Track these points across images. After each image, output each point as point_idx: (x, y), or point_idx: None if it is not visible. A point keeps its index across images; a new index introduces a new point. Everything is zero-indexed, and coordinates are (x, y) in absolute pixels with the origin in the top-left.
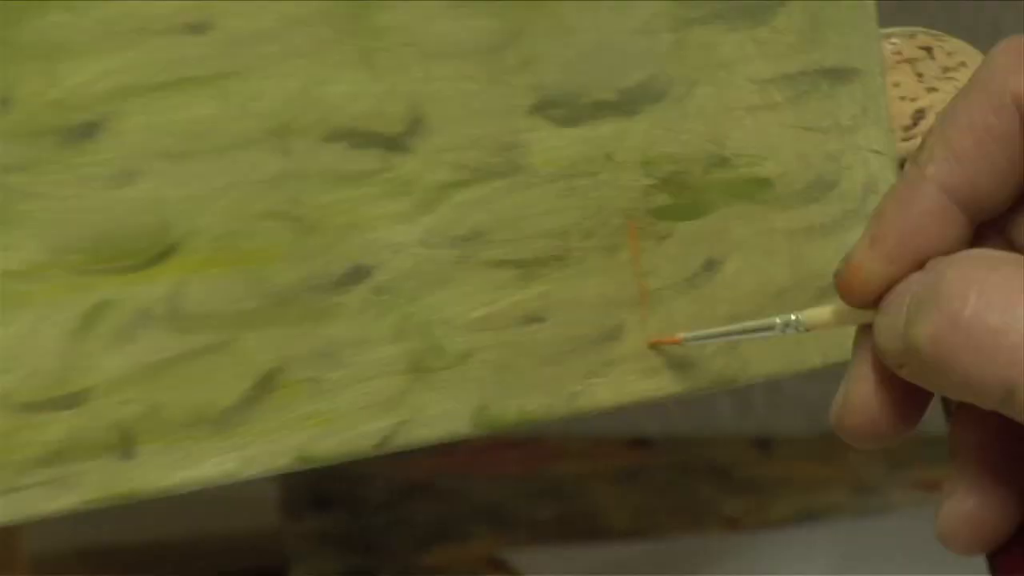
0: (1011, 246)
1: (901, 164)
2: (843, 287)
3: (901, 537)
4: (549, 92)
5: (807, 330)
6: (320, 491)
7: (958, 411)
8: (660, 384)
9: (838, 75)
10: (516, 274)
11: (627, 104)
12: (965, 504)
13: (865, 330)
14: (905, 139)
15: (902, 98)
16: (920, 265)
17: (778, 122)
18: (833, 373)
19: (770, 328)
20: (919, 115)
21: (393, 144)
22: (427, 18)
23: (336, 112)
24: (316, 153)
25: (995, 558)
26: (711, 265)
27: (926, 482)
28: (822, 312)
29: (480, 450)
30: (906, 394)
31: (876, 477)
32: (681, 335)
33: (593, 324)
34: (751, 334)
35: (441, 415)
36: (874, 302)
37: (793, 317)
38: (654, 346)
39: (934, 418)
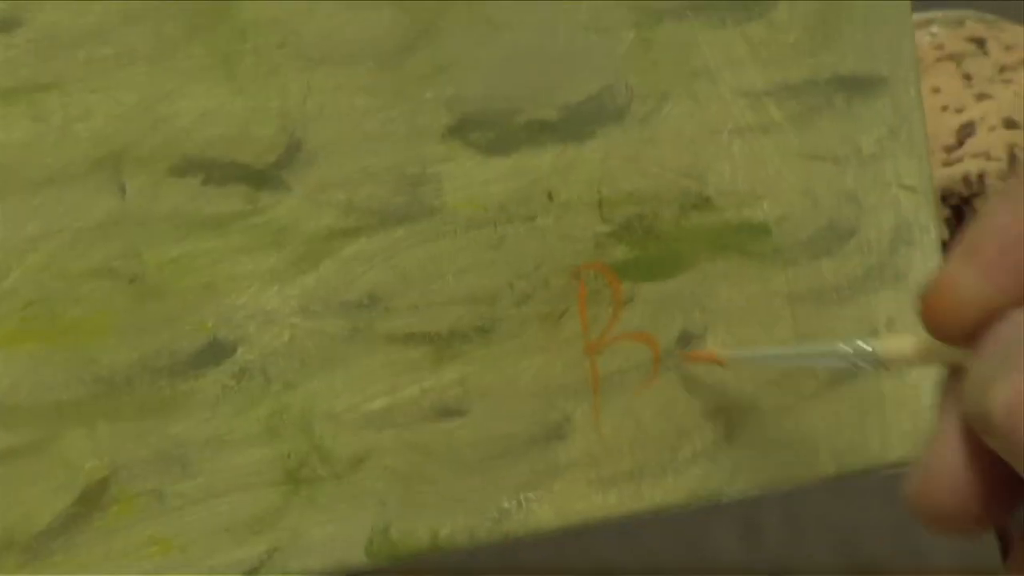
0: None
1: (943, 200)
2: (927, 311)
3: None
4: (470, 109)
5: (883, 365)
6: None
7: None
8: (619, 499)
9: (858, 85)
10: (427, 352)
11: (574, 125)
12: None
13: (956, 376)
14: (947, 164)
15: (944, 108)
16: None
17: (777, 149)
18: (870, 488)
19: (837, 355)
20: (967, 131)
21: (262, 178)
22: (308, 10)
23: (186, 136)
24: (160, 191)
25: None
26: (687, 339)
27: None
28: (902, 342)
29: None
30: (1005, 465)
31: None
32: (721, 353)
33: (529, 419)
34: (811, 359)
35: (327, 540)
36: (969, 337)
37: (866, 346)
38: (687, 360)
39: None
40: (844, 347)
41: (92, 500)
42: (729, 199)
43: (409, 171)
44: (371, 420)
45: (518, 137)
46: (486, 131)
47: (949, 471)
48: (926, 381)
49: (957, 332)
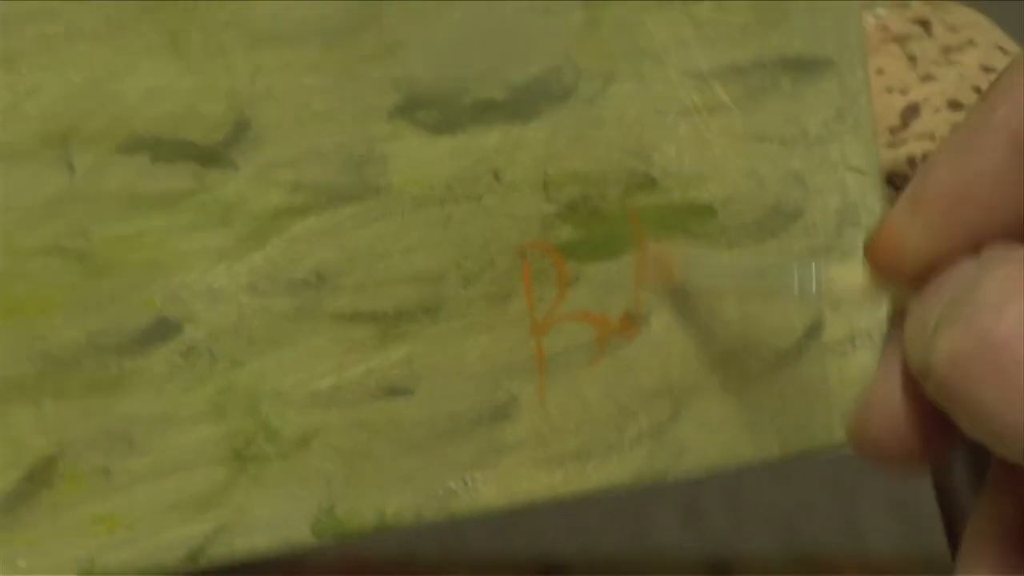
0: None
1: (888, 182)
2: (872, 259)
3: None
4: (418, 88)
5: (827, 294)
6: None
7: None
8: (565, 479)
9: (805, 67)
10: (373, 331)
11: (521, 105)
12: None
13: (902, 319)
14: (892, 146)
15: (889, 90)
16: (975, 245)
17: (723, 130)
18: (811, 472)
19: (787, 273)
20: (911, 112)
21: (210, 157)
22: None
23: (134, 114)
24: (108, 168)
25: None
26: (632, 320)
27: None
28: (853, 273)
29: (329, 573)
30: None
31: None
32: (679, 260)
33: (475, 398)
34: (763, 276)
35: (273, 518)
36: (912, 282)
37: (814, 269)
38: (650, 262)
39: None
40: (796, 267)
41: (39, 477)
42: (675, 180)
43: (356, 150)
44: (317, 399)
45: (464, 117)
46: (433, 110)
47: (889, 408)
48: (871, 363)
49: (901, 279)
